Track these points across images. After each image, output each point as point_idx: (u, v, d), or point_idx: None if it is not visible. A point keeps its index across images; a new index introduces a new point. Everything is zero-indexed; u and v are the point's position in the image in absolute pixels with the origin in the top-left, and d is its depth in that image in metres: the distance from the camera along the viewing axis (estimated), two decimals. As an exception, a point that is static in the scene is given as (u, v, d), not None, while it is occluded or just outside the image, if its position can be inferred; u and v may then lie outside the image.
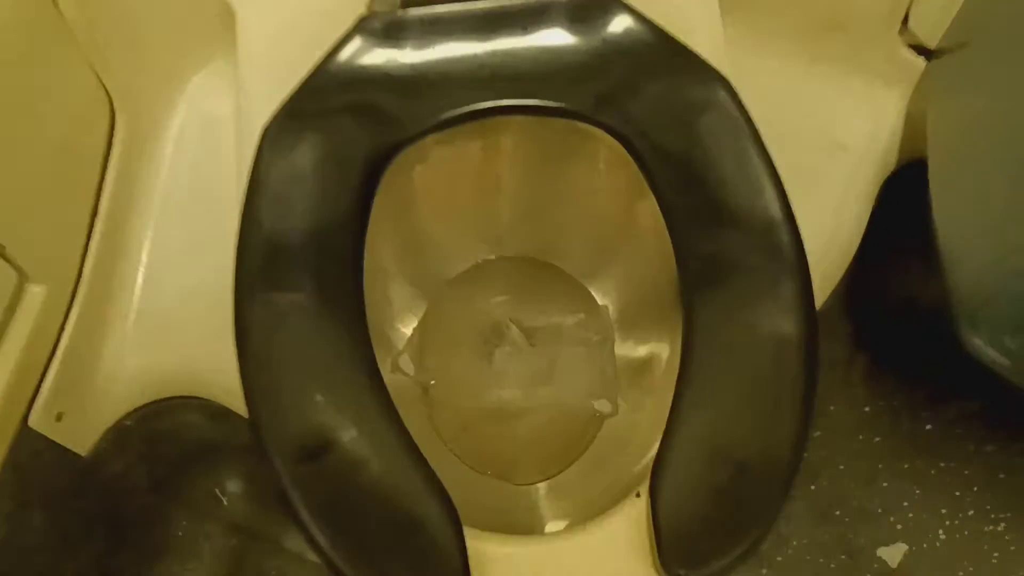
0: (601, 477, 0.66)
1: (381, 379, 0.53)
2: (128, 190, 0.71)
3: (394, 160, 0.59)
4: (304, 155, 0.57)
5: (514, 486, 0.67)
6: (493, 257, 0.74)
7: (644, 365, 0.69)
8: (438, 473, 0.66)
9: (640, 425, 0.67)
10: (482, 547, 0.52)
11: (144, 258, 0.72)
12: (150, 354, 0.72)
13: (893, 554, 0.86)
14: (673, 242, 0.58)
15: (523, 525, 0.65)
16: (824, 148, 0.81)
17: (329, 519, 0.51)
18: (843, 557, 0.86)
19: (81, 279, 0.67)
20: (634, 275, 0.71)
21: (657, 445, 0.62)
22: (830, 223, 0.79)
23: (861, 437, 0.90)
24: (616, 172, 0.64)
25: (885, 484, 0.89)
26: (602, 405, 0.69)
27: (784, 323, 0.56)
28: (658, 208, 0.59)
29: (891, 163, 0.80)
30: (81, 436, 0.71)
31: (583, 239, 0.73)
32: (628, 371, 0.70)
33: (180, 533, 0.87)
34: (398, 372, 0.69)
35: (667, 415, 0.64)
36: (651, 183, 0.59)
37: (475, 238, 0.73)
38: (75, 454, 0.71)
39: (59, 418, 0.68)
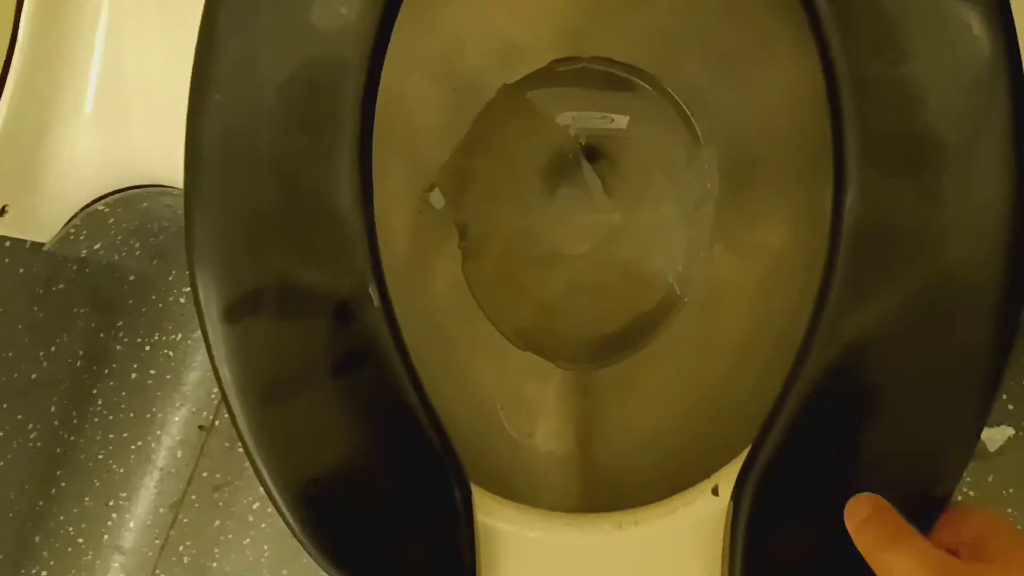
0: (666, 391, 0.52)
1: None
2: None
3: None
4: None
5: (557, 368, 0.54)
6: (569, 58, 0.54)
7: (748, 243, 0.52)
8: (466, 343, 0.54)
9: (724, 327, 0.52)
10: (497, 526, 0.40)
11: (102, 19, 0.53)
12: (116, 133, 0.56)
13: (995, 437, 0.74)
14: (831, 79, 0.39)
15: (560, 433, 0.52)
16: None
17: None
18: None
19: (15, 48, 0.50)
20: (758, 112, 0.51)
21: (743, 364, 0.48)
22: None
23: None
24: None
25: (1010, 356, 0.74)
26: (684, 286, 0.53)
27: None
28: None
29: None
30: (38, 226, 0.58)
31: (695, 44, 0.52)
32: (726, 246, 0.53)
33: (183, 300, 0.77)
34: (427, 209, 0.53)
35: (761, 318, 0.49)
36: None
37: (545, 27, 0.53)
38: (35, 246, 0.59)
39: (2, 212, 0.54)
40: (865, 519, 0.37)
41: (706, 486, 0.40)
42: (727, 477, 0.40)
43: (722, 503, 0.39)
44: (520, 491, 0.42)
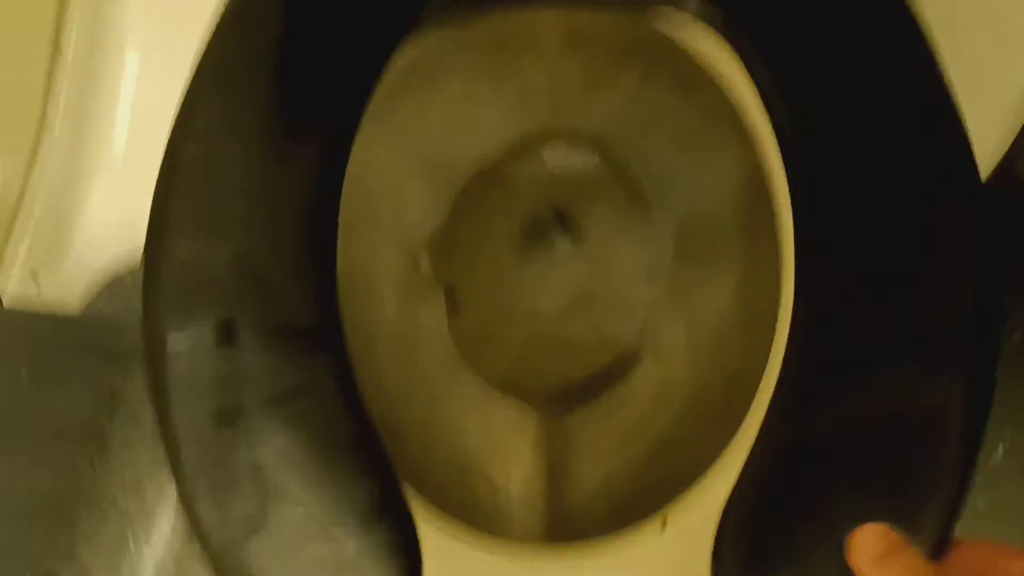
0: (624, 438, 0.58)
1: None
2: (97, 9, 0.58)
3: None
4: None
5: (533, 418, 0.60)
6: (545, 136, 0.61)
7: (699, 307, 0.59)
8: (451, 394, 0.60)
9: (676, 381, 0.58)
10: (449, 545, 0.45)
11: (129, 84, 0.59)
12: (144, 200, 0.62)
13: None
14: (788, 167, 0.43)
15: (537, 470, 0.58)
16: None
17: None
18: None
19: (46, 119, 0.57)
20: (710, 191, 0.58)
21: (692, 415, 0.55)
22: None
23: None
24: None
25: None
26: (641, 343, 0.60)
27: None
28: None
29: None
30: (68, 295, 0.64)
31: (654, 127, 0.60)
32: (679, 308, 0.59)
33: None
34: (415, 273, 0.60)
35: (708, 376, 0.56)
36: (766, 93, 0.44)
37: (521, 111, 0.60)
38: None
39: (35, 279, 0.61)
40: (880, 556, 0.35)
41: (655, 520, 0.46)
42: (674, 511, 0.46)
43: (668, 535, 0.45)
44: (494, 529, 0.48)
